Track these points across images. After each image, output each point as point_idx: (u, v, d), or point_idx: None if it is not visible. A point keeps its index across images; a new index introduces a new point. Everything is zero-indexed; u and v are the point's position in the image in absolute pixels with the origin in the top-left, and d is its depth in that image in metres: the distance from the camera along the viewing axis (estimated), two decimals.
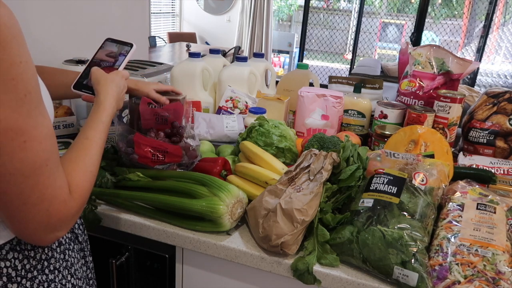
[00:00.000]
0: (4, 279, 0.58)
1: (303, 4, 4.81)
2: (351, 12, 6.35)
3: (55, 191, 0.53)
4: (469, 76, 4.18)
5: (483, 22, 4.42)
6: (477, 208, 0.77)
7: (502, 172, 1.01)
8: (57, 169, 0.54)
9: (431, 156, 0.93)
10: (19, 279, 0.59)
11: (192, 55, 1.41)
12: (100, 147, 0.68)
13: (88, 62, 0.87)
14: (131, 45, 0.88)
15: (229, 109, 1.36)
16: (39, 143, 0.50)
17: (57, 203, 0.54)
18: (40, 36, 1.32)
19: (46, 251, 0.64)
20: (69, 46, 1.46)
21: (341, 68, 6.22)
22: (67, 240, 0.69)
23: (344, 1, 6.58)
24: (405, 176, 0.81)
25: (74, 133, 1.18)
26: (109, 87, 0.78)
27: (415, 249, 0.68)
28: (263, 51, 5.50)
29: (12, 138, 0.47)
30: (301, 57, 5.08)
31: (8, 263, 0.58)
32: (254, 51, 5.53)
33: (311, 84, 1.43)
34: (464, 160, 1.07)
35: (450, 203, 0.81)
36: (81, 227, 0.77)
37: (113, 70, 0.83)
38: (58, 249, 0.67)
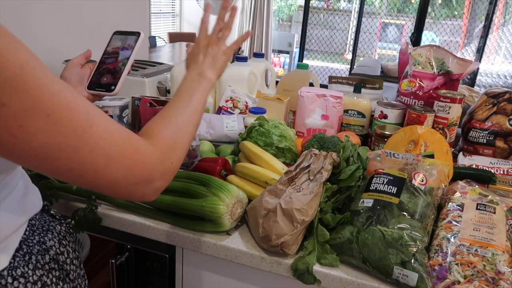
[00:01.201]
0: None
1: (303, 4, 4.81)
2: (351, 12, 6.35)
3: (119, 147, 0.50)
4: (469, 76, 4.18)
5: (483, 22, 4.42)
6: (477, 208, 0.77)
7: (502, 172, 1.01)
8: (108, 124, 0.50)
9: (431, 156, 0.93)
10: None
11: None
12: (188, 102, 0.67)
13: (98, 60, 0.85)
14: (138, 34, 0.84)
15: (229, 109, 1.36)
16: (67, 110, 0.45)
17: (129, 155, 0.51)
18: (41, 36, 1.32)
19: None
20: (69, 46, 1.46)
21: (341, 68, 6.22)
22: (53, 279, 0.63)
23: (344, 1, 6.58)
24: (405, 176, 0.81)
25: None
26: (194, 61, 0.77)
27: (415, 249, 0.68)
28: (263, 51, 5.50)
29: (34, 118, 0.42)
30: (301, 57, 5.08)
31: None
32: (254, 51, 5.53)
33: (311, 84, 1.43)
34: (464, 160, 1.08)
35: (450, 203, 0.81)
36: (74, 261, 0.71)
37: (117, 64, 0.81)
38: None
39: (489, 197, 0.80)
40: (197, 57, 0.77)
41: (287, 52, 6.08)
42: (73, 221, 0.85)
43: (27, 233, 0.63)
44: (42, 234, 0.66)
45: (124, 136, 0.51)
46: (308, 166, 0.83)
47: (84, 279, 0.74)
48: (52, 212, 0.74)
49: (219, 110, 1.37)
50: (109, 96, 0.83)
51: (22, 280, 0.57)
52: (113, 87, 0.79)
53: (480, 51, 4.26)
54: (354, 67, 4.73)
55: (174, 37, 5.21)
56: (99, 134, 0.48)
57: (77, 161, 0.47)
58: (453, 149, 1.21)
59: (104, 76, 0.81)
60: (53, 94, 0.44)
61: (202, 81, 0.73)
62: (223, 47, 0.80)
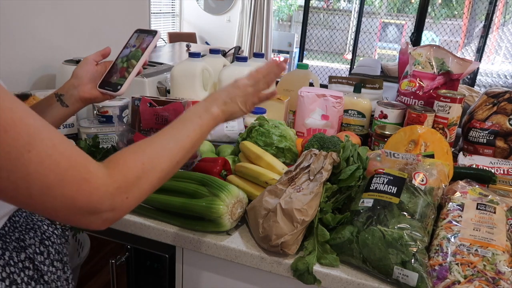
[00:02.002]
0: None
1: (303, 4, 4.81)
2: (351, 12, 6.35)
3: (61, 175, 0.46)
4: (469, 76, 4.18)
5: (483, 22, 4.42)
6: (477, 208, 0.77)
7: (502, 172, 1.01)
8: (55, 149, 0.46)
9: (431, 156, 0.93)
10: None
11: (192, 55, 1.41)
12: (169, 134, 0.60)
13: (115, 59, 0.83)
14: (154, 33, 0.81)
15: None
16: (3, 132, 0.42)
17: (72, 185, 0.46)
18: (41, 36, 1.32)
19: None
20: (69, 46, 1.47)
21: (341, 68, 6.22)
22: (24, 278, 0.61)
23: (344, 1, 6.58)
24: (405, 176, 0.81)
25: (74, 133, 1.19)
26: (214, 94, 0.71)
27: (415, 249, 0.68)
28: (263, 51, 5.50)
29: None
30: (301, 57, 5.09)
31: None
32: (254, 51, 5.53)
33: (311, 84, 1.43)
34: (464, 160, 1.08)
35: (450, 203, 0.81)
36: (56, 263, 0.69)
37: (128, 64, 0.80)
38: None
39: (489, 197, 0.80)
40: (219, 93, 0.71)
41: (287, 52, 6.08)
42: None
43: (6, 229, 0.63)
44: (24, 232, 0.66)
45: (73, 163, 0.47)
46: (308, 166, 0.83)
47: (68, 282, 0.72)
48: None
49: None
50: (117, 96, 0.81)
51: None
52: (119, 87, 0.78)
53: (480, 51, 4.26)
54: (354, 67, 4.73)
55: (174, 37, 5.21)
56: (38, 159, 0.44)
57: (9, 184, 0.43)
58: (453, 149, 1.21)
59: (114, 75, 0.80)
60: None
61: (204, 116, 0.66)
62: (253, 100, 0.74)
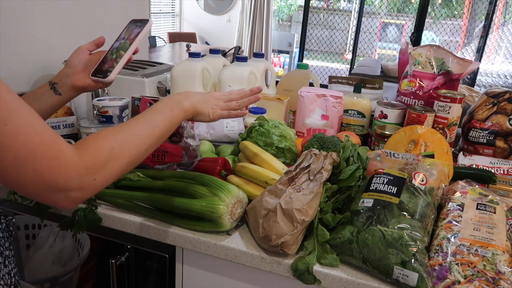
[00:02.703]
0: None
1: (303, 4, 4.81)
2: (351, 12, 6.35)
3: (34, 151, 0.49)
4: (469, 76, 4.18)
5: (483, 22, 4.42)
6: (477, 208, 0.77)
7: (502, 172, 1.01)
8: (29, 126, 0.49)
9: (431, 156, 0.93)
10: None
11: (192, 55, 1.41)
12: (140, 122, 0.64)
13: (108, 48, 0.86)
14: (146, 22, 0.84)
15: None
16: None
17: (43, 161, 0.49)
18: (42, 36, 1.32)
19: None
20: (69, 46, 1.46)
21: (341, 68, 6.22)
22: None
23: (344, 1, 6.58)
24: (405, 176, 0.81)
25: (74, 133, 1.19)
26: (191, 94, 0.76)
27: (415, 249, 0.68)
28: (263, 51, 5.50)
29: None
30: (301, 57, 5.09)
31: None
32: (254, 51, 5.53)
33: (311, 84, 1.43)
34: (464, 160, 1.07)
35: (450, 203, 0.81)
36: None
37: (119, 52, 0.82)
38: None
39: (489, 197, 0.80)
40: (193, 93, 0.76)
41: (287, 52, 6.09)
42: (13, 219, 0.85)
43: None
44: None
45: (45, 141, 0.50)
46: (308, 166, 0.83)
47: (10, 276, 0.74)
48: None
49: None
50: (105, 83, 0.82)
51: None
52: (108, 73, 0.80)
53: (480, 51, 4.26)
54: (354, 67, 4.73)
55: (174, 37, 5.22)
56: (13, 133, 0.47)
57: None
58: (453, 149, 1.21)
59: (106, 63, 0.82)
60: None
61: (175, 109, 0.70)
62: (222, 113, 0.79)
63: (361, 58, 5.39)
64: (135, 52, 0.84)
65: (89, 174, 0.54)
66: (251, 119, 1.18)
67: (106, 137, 0.58)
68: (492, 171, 0.99)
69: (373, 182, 0.82)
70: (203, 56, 1.48)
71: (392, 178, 0.80)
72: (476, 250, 0.68)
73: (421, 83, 1.25)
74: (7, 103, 0.47)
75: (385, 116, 1.22)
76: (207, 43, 5.74)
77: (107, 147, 0.57)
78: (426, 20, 3.78)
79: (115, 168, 0.58)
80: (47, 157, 0.50)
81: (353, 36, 5.42)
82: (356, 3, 6.10)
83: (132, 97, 1.00)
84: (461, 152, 1.13)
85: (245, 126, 1.19)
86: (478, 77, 4.72)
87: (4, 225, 0.77)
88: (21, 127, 0.48)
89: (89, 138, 0.57)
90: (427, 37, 5.32)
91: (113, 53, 0.83)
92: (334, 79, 1.46)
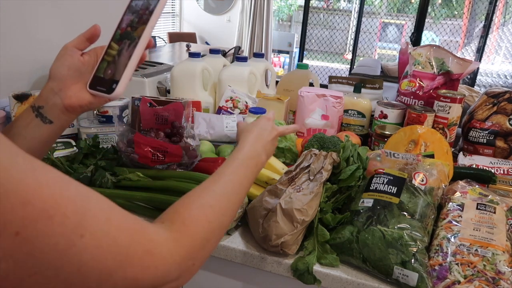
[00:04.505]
0: None
1: (303, 4, 4.81)
2: (351, 12, 6.35)
3: (121, 255, 0.35)
4: (469, 76, 4.18)
5: (483, 22, 4.42)
6: (477, 208, 0.77)
7: (502, 172, 1.01)
8: (109, 223, 0.35)
9: (431, 156, 0.93)
10: None
11: (192, 55, 1.41)
12: (231, 182, 0.54)
13: (107, 44, 0.60)
14: None
15: (229, 109, 1.36)
16: (47, 219, 0.30)
17: (136, 262, 0.36)
18: (42, 36, 1.32)
19: None
20: None
21: (341, 68, 6.22)
22: None
23: (344, 1, 6.58)
24: (405, 176, 0.81)
25: (73, 133, 1.19)
26: (250, 132, 0.66)
27: (415, 249, 0.68)
28: (263, 51, 5.50)
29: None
30: (301, 57, 5.08)
31: None
32: (254, 51, 5.52)
33: (311, 84, 1.43)
34: (464, 160, 1.07)
35: (450, 203, 0.81)
36: None
37: (126, 50, 0.57)
38: None
39: (489, 197, 0.80)
40: (266, 133, 0.67)
41: (287, 52, 6.08)
42: None
43: None
44: None
45: (133, 236, 0.37)
46: (308, 166, 0.83)
47: None
48: None
49: (219, 110, 1.37)
50: (111, 99, 0.58)
51: None
52: (114, 85, 0.55)
53: (480, 51, 4.26)
54: (354, 67, 4.73)
55: (174, 37, 5.21)
56: (94, 242, 0.33)
57: (57, 285, 0.32)
58: (453, 149, 1.21)
59: (108, 68, 0.56)
60: (27, 197, 0.29)
61: (258, 165, 0.62)
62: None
63: (361, 58, 5.38)
64: (147, 47, 0.58)
65: (187, 260, 0.42)
66: (251, 119, 1.18)
67: (202, 208, 0.47)
68: (492, 171, 0.99)
69: (373, 182, 0.82)
70: (203, 56, 1.48)
71: (392, 178, 0.80)
72: (476, 250, 0.68)
73: (421, 83, 1.25)
74: (73, 202, 0.32)
75: (385, 116, 1.21)
76: (207, 43, 5.74)
77: (204, 223, 0.46)
78: (426, 20, 3.78)
79: (214, 244, 0.48)
80: (137, 256, 0.37)
81: (353, 36, 5.42)
82: (356, 3, 6.09)
83: (132, 97, 1.00)
84: (461, 152, 1.13)
85: None
86: (478, 77, 4.72)
87: None
88: (102, 229, 0.34)
89: (181, 211, 0.46)
90: (427, 37, 5.32)
91: (116, 49, 0.57)
92: (334, 79, 1.46)
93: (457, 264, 0.68)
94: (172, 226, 0.43)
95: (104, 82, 0.56)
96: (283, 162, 1.01)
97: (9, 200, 0.27)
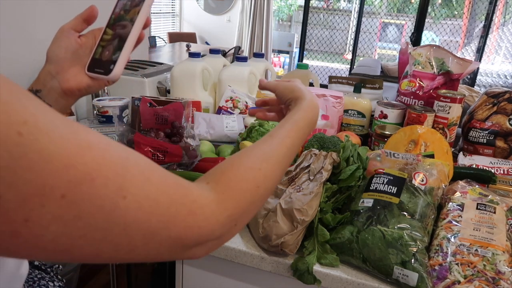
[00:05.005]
0: None
1: (303, 4, 4.81)
2: (351, 12, 6.35)
3: (165, 214, 0.36)
4: (469, 76, 4.18)
5: (483, 22, 4.42)
6: (477, 208, 0.77)
7: (502, 172, 1.01)
8: (149, 183, 0.35)
9: (431, 156, 0.93)
10: None
11: (192, 55, 1.41)
12: (283, 146, 0.52)
13: (105, 25, 0.59)
14: None
15: (229, 109, 1.36)
16: (90, 181, 0.30)
17: (179, 222, 0.37)
18: (42, 36, 1.32)
19: None
20: None
21: (341, 68, 6.22)
22: None
23: (344, 1, 6.58)
24: (405, 176, 0.81)
25: None
26: (304, 98, 0.64)
27: (415, 249, 0.68)
28: (263, 51, 5.50)
29: (44, 204, 0.28)
30: (301, 57, 5.08)
31: None
32: (254, 51, 5.53)
33: (311, 84, 1.43)
34: (464, 160, 1.07)
35: (450, 203, 0.81)
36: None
37: (123, 31, 0.57)
38: None
39: (489, 197, 0.80)
40: (315, 103, 0.65)
41: (287, 52, 6.08)
42: (60, 266, 0.78)
43: None
44: None
45: (174, 196, 0.37)
46: (308, 166, 0.83)
47: None
48: (36, 263, 0.70)
49: (219, 110, 1.37)
50: (109, 80, 0.58)
51: None
52: (112, 66, 0.55)
53: (480, 51, 4.26)
54: (354, 67, 4.73)
55: (174, 37, 5.22)
56: (136, 204, 0.33)
57: (105, 245, 0.33)
58: (453, 149, 1.21)
59: (106, 49, 0.56)
60: (70, 160, 0.29)
61: (309, 128, 0.61)
62: None
63: (361, 58, 5.38)
64: (145, 26, 0.58)
65: (231, 221, 0.42)
66: (251, 119, 1.18)
67: (251, 171, 0.45)
68: (492, 171, 0.99)
69: (373, 182, 0.82)
70: (203, 56, 1.48)
71: (392, 178, 0.80)
72: (476, 250, 0.68)
73: (421, 83, 1.25)
74: (115, 163, 0.32)
75: (385, 116, 1.21)
76: (207, 43, 5.74)
77: (252, 186, 0.45)
78: (426, 20, 3.78)
79: (258, 207, 0.47)
80: (181, 216, 0.37)
81: (353, 36, 5.42)
82: (356, 3, 6.09)
83: (132, 97, 1.00)
84: (461, 152, 1.13)
85: (245, 126, 1.19)
86: (478, 77, 4.72)
87: (63, 282, 0.72)
88: (143, 190, 0.34)
89: (228, 171, 0.44)
90: (427, 37, 5.32)
91: (114, 32, 0.57)
92: (334, 79, 1.46)
93: (457, 264, 0.68)
94: (217, 188, 0.42)
95: (102, 64, 0.55)
96: None
97: (53, 163, 0.28)
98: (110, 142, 0.33)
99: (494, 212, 0.75)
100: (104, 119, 1.16)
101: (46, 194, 0.28)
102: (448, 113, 1.14)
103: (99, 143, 0.32)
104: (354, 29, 5.40)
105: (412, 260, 0.67)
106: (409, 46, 1.36)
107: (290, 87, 0.66)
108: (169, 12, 5.79)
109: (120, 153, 0.34)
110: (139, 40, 0.57)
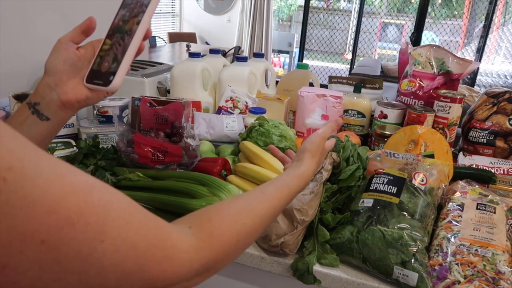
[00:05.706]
0: None
1: (303, 4, 4.81)
2: (351, 12, 6.35)
3: (142, 257, 0.35)
4: (469, 76, 4.18)
5: (483, 22, 4.42)
6: (477, 208, 0.77)
7: (502, 172, 1.01)
8: (128, 227, 0.34)
9: (431, 156, 0.93)
10: None
11: (192, 55, 1.41)
12: (273, 208, 0.52)
13: (104, 36, 0.59)
14: None
15: (229, 109, 1.36)
16: (70, 226, 0.29)
17: (154, 266, 0.36)
18: (42, 36, 1.32)
19: None
20: None
21: (341, 68, 6.22)
22: None
23: (344, 1, 6.58)
24: (405, 176, 0.81)
25: (73, 133, 1.19)
26: (315, 160, 0.64)
27: (415, 249, 0.68)
28: (263, 51, 5.50)
29: (22, 250, 0.27)
30: (301, 57, 5.09)
31: None
32: (254, 51, 5.53)
33: (311, 84, 1.43)
34: (464, 160, 1.08)
35: (450, 203, 0.81)
36: None
37: (122, 41, 0.56)
38: None
39: (489, 197, 0.80)
40: (318, 155, 0.65)
41: (287, 52, 6.08)
42: None
43: None
44: None
45: (152, 240, 0.36)
46: None
47: None
48: None
49: (219, 110, 1.37)
50: (108, 92, 0.57)
51: None
52: (111, 78, 0.54)
53: (480, 51, 4.26)
54: (354, 67, 4.73)
55: (174, 37, 5.21)
56: (114, 247, 0.33)
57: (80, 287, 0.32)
58: (453, 149, 1.21)
59: (105, 60, 0.56)
60: (52, 206, 0.28)
61: (303, 188, 0.62)
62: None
63: (361, 58, 5.39)
64: (145, 37, 0.57)
65: (205, 269, 0.42)
66: (251, 119, 1.18)
67: (235, 225, 0.46)
68: (492, 171, 0.99)
69: (373, 182, 0.82)
70: (203, 56, 1.48)
71: (392, 178, 0.80)
72: (476, 250, 0.68)
73: (421, 83, 1.25)
74: (96, 207, 0.32)
75: (385, 116, 1.22)
76: (207, 43, 5.74)
77: (233, 240, 0.45)
78: (426, 20, 3.79)
79: (233, 259, 0.47)
80: (156, 260, 0.36)
81: (353, 36, 5.42)
82: (356, 3, 6.09)
83: (132, 97, 1.00)
84: (461, 152, 1.13)
85: (245, 126, 1.19)
86: (478, 77, 4.72)
87: None
88: (120, 234, 0.33)
89: (214, 220, 0.44)
90: (427, 37, 5.32)
91: (113, 42, 0.57)
92: (334, 79, 1.46)
93: (457, 264, 0.68)
94: (199, 234, 0.42)
95: (101, 75, 0.55)
96: None
97: (35, 209, 0.27)
98: (94, 184, 0.33)
99: (494, 212, 0.75)
100: (104, 119, 1.16)
101: (26, 240, 0.27)
102: (448, 113, 1.14)
103: (84, 185, 0.32)
104: (354, 29, 5.40)
105: (412, 260, 0.67)
106: (409, 46, 1.36)
107: (301, 148, 0.66)
108: (169, 12, 5.79)
109: (103, 196, 0.33)
110: (139, 51, 0.57)
